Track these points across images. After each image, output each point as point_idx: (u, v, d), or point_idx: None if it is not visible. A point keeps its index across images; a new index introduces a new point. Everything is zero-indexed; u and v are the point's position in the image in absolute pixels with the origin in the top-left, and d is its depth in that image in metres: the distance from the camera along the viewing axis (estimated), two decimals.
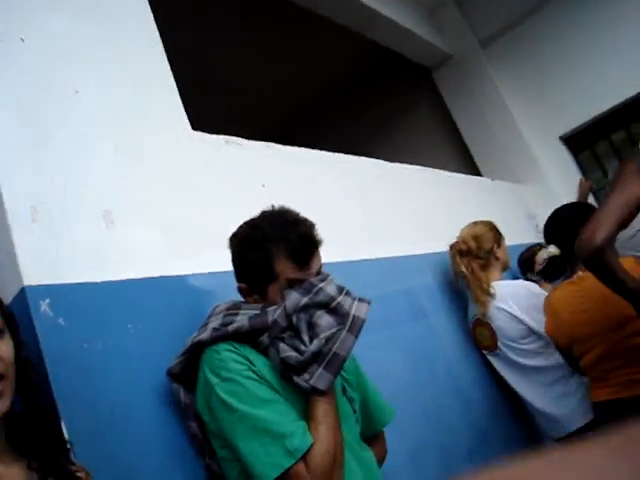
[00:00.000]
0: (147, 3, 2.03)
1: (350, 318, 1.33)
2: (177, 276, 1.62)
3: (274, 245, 1.40)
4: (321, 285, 1.37)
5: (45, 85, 1.59)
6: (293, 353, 1.30)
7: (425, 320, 2.59)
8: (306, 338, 1.32)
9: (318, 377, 1.29)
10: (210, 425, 1.36)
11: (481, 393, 2.70)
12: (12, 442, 1.02)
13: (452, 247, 2.88)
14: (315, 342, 1.30)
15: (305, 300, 1.34)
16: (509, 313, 2.65)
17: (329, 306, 1.34)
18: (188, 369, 1.41)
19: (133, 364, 1.41)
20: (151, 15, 2.02)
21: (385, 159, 3.12)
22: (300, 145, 2.50)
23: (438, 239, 2.94)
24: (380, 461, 1.69)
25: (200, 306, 1.60)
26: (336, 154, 2.64)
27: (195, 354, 1.40)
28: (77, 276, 1.40)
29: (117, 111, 1.72)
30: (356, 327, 1.33)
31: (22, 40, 1.57)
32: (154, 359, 1.44)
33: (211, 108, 4.76)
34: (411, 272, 2.69)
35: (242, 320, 1.37)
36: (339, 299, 1.36)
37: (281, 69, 5.09)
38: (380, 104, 5.78)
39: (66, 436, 1.20)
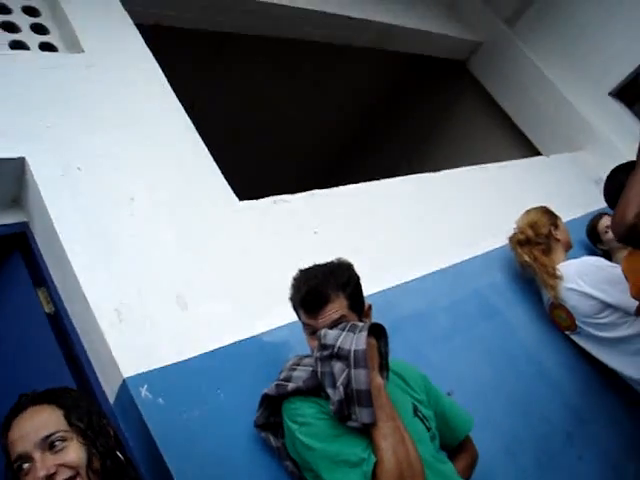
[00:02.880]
0: (175, 98, 2.29)
1: (352, 355, 1.47)
2: (251, 337, 1.85)
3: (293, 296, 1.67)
4: (321, 336, 1.54)
5: (105, 198, 1.86)
6: (331, 407, 1.48)
7: (498, 317, 2.69)
8: (330, 391, 1.49)
9: (360, 414, 1.45)
10: (301, 463, 1.57)
11: (570, 372, 2.76)
12: None
13: (511, 239, 2.97)
14: (336, 392, 1.47)
15: (319, 356, 1.53)
16: (579, 291, 2.71)
17: (333, 354, 1.50)
18: (272, 418, 1.63)
19: (228, 423, 1.64)
20: (180, 107, 2.28)
21: (442, 165, 3.23)
22: (350, 180, 2.68)
23: (499, 234, 3.03)
24: (473, 464, 1.86)
25: (277, 359, 1.80)
26: (381, 181, 2.79)
27: (270, 406, 1.62)
28: (166, 359, 1.65)
29: (170, 206, 1.99)
30: (360, 360, 1.46)
31: (79, 169, 1.84)
32: (245, 414, 1.67)
33: (251, 165, 4.93)
34: (477, 273, 2.80)
35: (298, 380, 1.58)
36: (338, 343, 1.50)
37: (310, 108, 5.23)
38: (422, 111, 5.84)
39: None
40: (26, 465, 1.18)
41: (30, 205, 1.88)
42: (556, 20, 4.94)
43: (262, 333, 1.87)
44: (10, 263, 1.93)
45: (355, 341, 1.48)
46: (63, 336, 1.81)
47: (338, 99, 5.40)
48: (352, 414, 1.46)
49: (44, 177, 1.81)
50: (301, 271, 1.69)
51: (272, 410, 1.62)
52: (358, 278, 1.69)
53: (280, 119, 5.07)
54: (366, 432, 1.48)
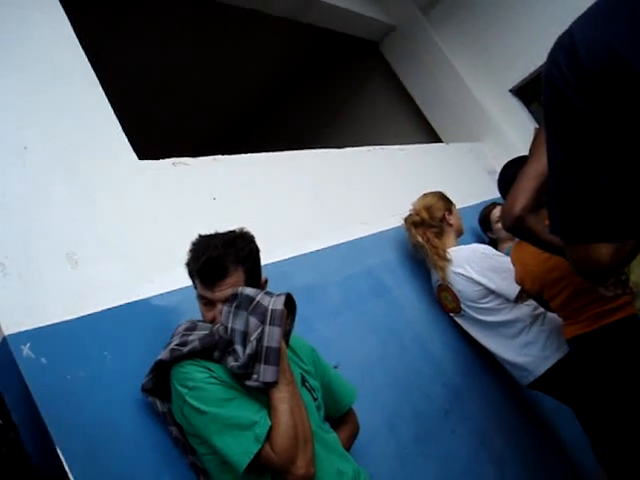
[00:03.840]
0: (77, 43, 2.18)
1: (269, 313, 1.51)
2: (142, 300, 1.80)
3: (190, 263, 1.66)
4: (240, 290, 1.57)
5: None
6: (235, 363, 1.50)
7: (388, 295, 2.77)
8: (239, 348, 1.52)
9: (263, 372, 1.49)
10: (187, 428, 1.56)
11: (452, 354, 2.90)
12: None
13: (406, 220, 3.07)
14: (248, 346, 1.49)
15: (233, 309, 1.55)
16: (466, 277, 2.84)
17: (250, 306, 1.53)
18: (160, 383, 1.61)
19: (113, 386, 1.60)
20: (84, 56, 2.17)
21: (346, 141, 3.26)
22: (253, 146, 2.65)
23: (395, 214, 3.11)
24: (354, 435, 1.93)
25: (167, 323, 1.78)
26: (283, 152, 2.79)
27: (160, 371, 1.59)
28: (52, 317, 1.58)
29: (65, 159, 1.88)
30: (277, 318, 1.51)
31: None
32: (131, 377, 1.63)
33: (154, 124, 4.80)
34: (370, 251, 2.86)
35: (194, 341, 1.57)
36: (258, 298, 1.54)
37: (219, 71, 5.15)
38: (331, 87, 5.88)
39: (62, 459, 1.39)
40: None
41: None
42: (468, 13, 5.08)
43: (153, 296, 1.83)
44: None
45: (273, 301, 1.53)
46: None
47: (249, 66, 5.33)
48: (253, 373, 1.48)
49: None
50: (201, 237, 1.67)
51: (161, 375, 1.59)
52: (258, 252, 1.70)
53: (187, 81, 4.96)
54: (260, 395, 1.51)
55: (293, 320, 1.62)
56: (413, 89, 5.28)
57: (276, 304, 1.53)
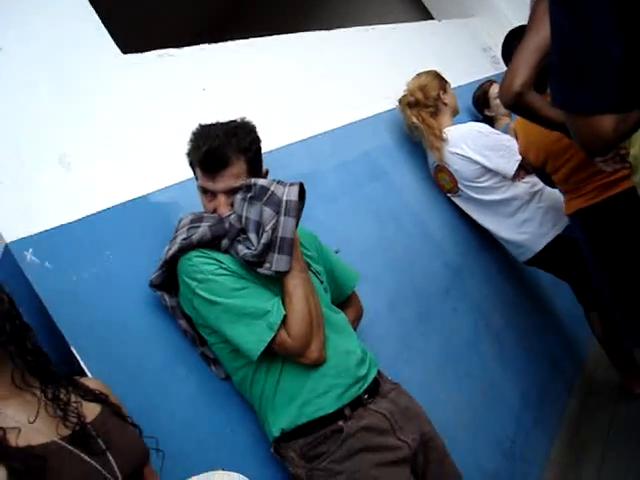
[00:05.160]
0: None
1: (284, 204, 1.51)
2: (140, 197, 1.78)
3: (191, 153, 1.63)
4: (254, 181, 1.56)
5: None
6: (248, 251, 1.51)
7: (386, 178, 2.76)
8: (253, 236, 1.53)
9: (277, 261, 1.51)
10: (197, 320, 1.59)
11: (451, 234, 2.93)
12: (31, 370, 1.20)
13: (400, 101, 3.00)
14: (264, 235, 1.50)
15: (247, 199, 1.54)
16: (462, 156, 2.82)
17: (264, 197, 1.52)
18: (167, 278, 1.62)
19: (119, 284, 1.61)
20: None
21: (335, 23, 3.14)
22: (239, 34, 2.55)
23: (389, 96, 3.04)
24: (358, 317, 1.98)
25: (167, 219, 1.77)
26: (271, 37, 2.68)
27: (171, 266, 1.60)
28: (51, 222, 1.56)
29: (46, 57, 1.79)
30: (291, 209, 1.51)
31: None
32: (136, 275, 1.64)
33: (136, 17, 4.59)
34: (365, 135, 2.82)
35: (204, 229, 1.56)
36: (272, 188, 1.53)
37: None
38: None
39: (78, 357, 1.43)
40: None
41: None
42: None
43: (150, 193, 1.80)
44: None
45: (287, 192, 1.53)
46: None
47: None
48: (266, 262, 1.50)
49: None
50: (202, 127, 1.63)
51: (168, 271, 1.60)
52: (259, 142, 1.67)
53: None
54: (270, 283, 1.54)
55: (302, 208, 1.61)
56: None
57: (290, 195, 1.52)
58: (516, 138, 2.56)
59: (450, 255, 2.84)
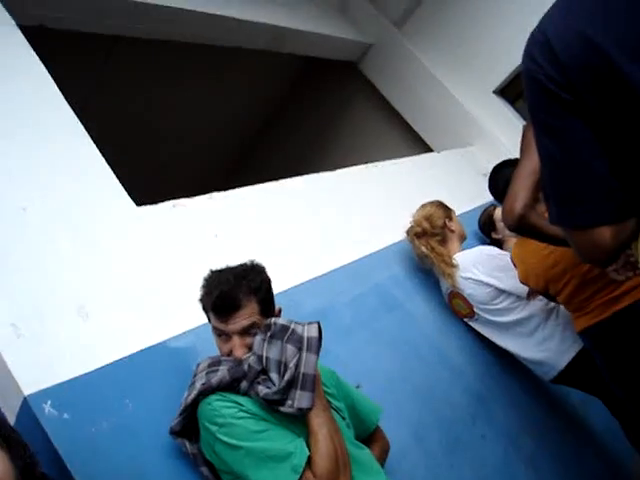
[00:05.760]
0: (64, 100, 2.22)
1: (305, 340, 1.55)
2: (156, 344, 1.82)
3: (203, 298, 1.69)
4: (273, 320, 1.61)
5: None
6: (270, 390, 1.51)
7: (400, 308, 2.78)
8: (274, 376, 1.54)
9: (299, 398, 1.51)
10: (219, 466, 1.56)
11: (470, 358, 2.89)
12: None
13: (408, 232, 3.08)
14: (287, 372, 1.51)
15: (267, 339, 1.56)
16: (475, 280, 2.84)
17: (285, 335, 1.56)
18: (189, 424, 1.61)
19: (138, 432, 1.61)
20: (72, 113, 2.21)
21: (337, 163, 3.27)
22: (245, 179, 2.68)
23: (396, 229, 3.12)
24: (385, 452, 1.93)
25: (185, 364, 1.79)
26: (278, 182, 2.82)
27: (191, 411, 1.59)
28: (69, 372, 1.60)
29: (66, 215, 1.92)
30: (313, 346, 1.56)
31: None
32: (155, 423, 1.64)
33: (147, 169, 4.84)
34: (376, 268, 2.87)
35: (222, 373, 1.57)
36: (292, 326, 1.59)
37: (208, 110, 5.20)
38: (316, 111, 5.91)
39: None
40: None
41: None
42: (442, 21, 5.13)
43: (167, 339, 1.85)
44: None
45: (307, 329, 1.58)
46: None
47: (233, 102, 5.38)
48: (288, 399, 1.50)
49: None
50: (212, 272, 1.70)
51: (189, 416, 1.60)
52: (270, 282, 1.72)
53: (174, 123, 5.01)
54: (293, 424, 1.53)
55: (320, 347, 1.63)
56: (397, 103, 5.31)
57: (310, 332, 1.57)
58: (515, 266, 2.59)
59: (471, 380, 2.79)
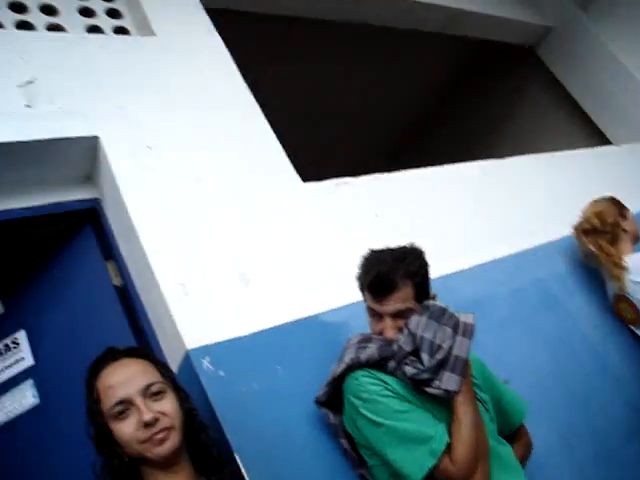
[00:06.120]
0: (241, 77, 2.34)
1: (461, 325, 1.55)
2: (312, 316, 1.89)
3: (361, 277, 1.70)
4: (432, 302, 1.61)
5: (173, 177, 1.94)
6: (416, 370, 1.51)
7: (559, 307, 2.64)
8: (425, 356, 1.52)
9: (447, 380, 1.50)
10: (359, 440, 1.59)
11: (633, 369, 2.69)
12: (197, 467, 1.33)
13: (576, 228, 2.91)
14: (439, 351, 1.51)
15: (424, 319, 1.56)
16: None
17: (442, 318, 1.56)
18: (334, 395, 1.65)
19: (286, 397, 1.69)
20: (247, 89, 2.33)
21: (507, 150, 3.17)
22: (412, 162, 2.67)
23: (563, 223, 2.97)
24: (527, 453, 1.86)
25: (336, 338, 1.83)
26: (443, 167, 2.78)
27: (338, 384, 1.64)
28: (228, 333, 1.71)
29: (234, 185, 2.05)
30: (468, 331, 1.55)
31: (149, 148, 1.91)
32: (302, 390, 1.71)
33: (315, 147, 4.93)
34: (539, 262, 2.75)
35: (372, 350, 1.59)
36: (451, 310, 1.58)
37: (375, 92, 5.20)
38: (489, 96, 5.71)
39: (240, 463, 1.49)
40: (127, 409, 1.24)
41: (102, 182, 1.96)
42: (631, 2, 4.75)
43: (322, 313, 1.91)
44: (82, 237, 2.02)
45: (464, 316, 1.59)
46: (130, 308, 1.90)
47: (403, 84, 5.35)
48: (435, 380, 1.50)
49: (116, 155, 1.88)
50: (372, 252, 1.71)
51: (335, 389, 1.64)
52: (427, 267, 1.70)
53: (344, 103, 5.08)
54: (437, 409, 1.52)
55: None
56: (576, 91, 5.01)
57: (467, 318, 1.57)
58: None
59: (633, 394, 2.60)
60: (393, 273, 1.61)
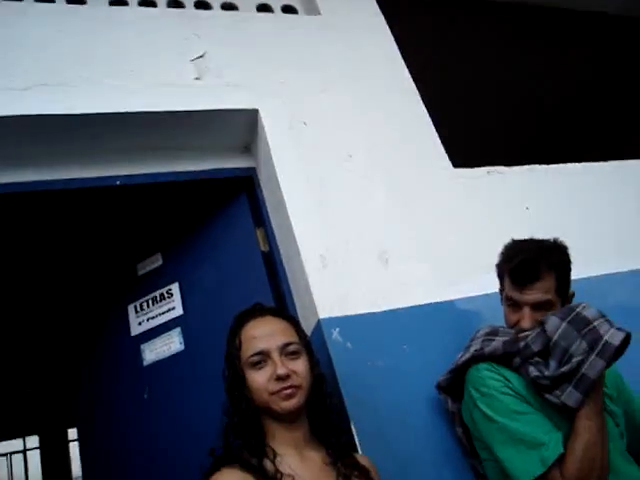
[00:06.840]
0: (402, 61, 2.35)
1: (601, 342, 1.40)
2: (445, 302, 1.89)
3: (501, 264, 1.66)
4: (579, 310, 1.49)
5: (326, 153, 2.01)
6: (540, 374, 1.46)
7: None
8: (553, 363, 1.45)
9: (568, 394, 1.41)
10: (474, 431, 1.58)
11: None
12: (315, 434, 1.38)
13: None
14: (567, 365, 1.42)
15: (564, 324, 1.47)
16: None
17: (584, 330, 1.44)
18: (455, 383, 1.65)
19: (408, 378, 1.72)
20: (407, 73, 2.34)
21: None
22: (575, 156, 2.53)
23: None
24: None
25: (466, 327, 1.81)
26: (606, 163, 2.60)
27: (461, 373, 1.63)
28: (360, 308, 1.77)
29: (385, 165, 2.09)
30: (607, 353, 1.39)
31: (304, 124, 2.00)
32: (425, 373, 1.72)
33: (471, 134, 4.79)
34: None
35: (497, 344, 1.57)
36: (595, 323, 1.44)
37: (541, 80, 4.95)
38: None
39: (355, 434, 1.55)
40: (263, 361, 1.33)
41: (259, 153, 2.08)
42: None
43: (456, 299, 1.90)
44: (237, 203, 2.17)
45: (611, 334, 1.41)
46: (273, 273, 2.01)
47: (573, 73, 5.05)
48: (557, 390, 1.44)
49: (273, 128, 2.00)
50: (515, 241, 1.68)
51: (457, 377, 1.64)
52: (569, 263, 1.64)
53: (507, 91, 4.90)
54: (556, 416, 1.46)
55: (619, 357, 1.46)
56: None
57: (613, 338, 1.40)
58: None
59: None
60: (538, 262, 1.56)
